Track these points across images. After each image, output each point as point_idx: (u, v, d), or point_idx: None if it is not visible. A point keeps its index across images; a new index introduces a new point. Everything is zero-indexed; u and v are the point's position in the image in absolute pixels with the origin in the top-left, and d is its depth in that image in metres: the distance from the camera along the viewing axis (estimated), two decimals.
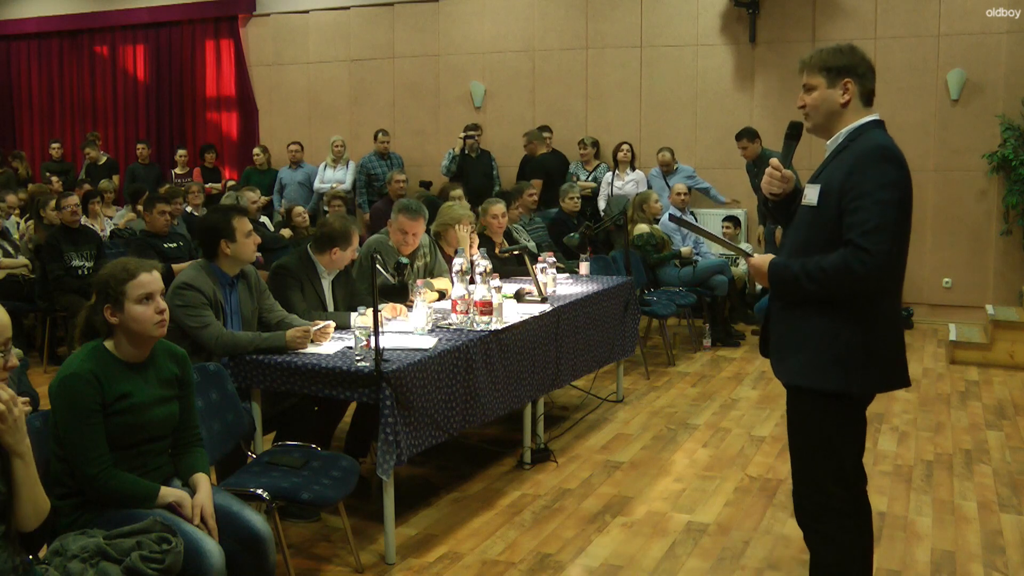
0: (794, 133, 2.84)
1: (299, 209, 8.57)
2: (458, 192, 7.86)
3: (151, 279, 2.78)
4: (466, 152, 9.24)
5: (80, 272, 6.71)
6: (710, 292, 7.37)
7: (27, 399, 2.90)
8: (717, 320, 7.46)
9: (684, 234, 7.95)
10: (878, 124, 2.66)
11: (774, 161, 2.79)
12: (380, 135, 9.80)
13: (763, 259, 2.71)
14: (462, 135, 9.10)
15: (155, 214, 6.71)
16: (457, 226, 5.39)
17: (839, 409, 2.64)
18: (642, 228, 7.33)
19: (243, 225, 4.00)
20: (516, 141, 9.50)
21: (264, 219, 8.63)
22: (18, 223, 8.23)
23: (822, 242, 2.58)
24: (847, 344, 2.58)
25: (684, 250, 7.38)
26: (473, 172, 9.14)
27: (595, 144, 9.20)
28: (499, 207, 6.06)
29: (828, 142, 2.71)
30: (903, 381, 2.68)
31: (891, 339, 2.63)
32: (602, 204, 8.66)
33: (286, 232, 8.26)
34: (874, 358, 2.59)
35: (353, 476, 3.47)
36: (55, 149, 11.40)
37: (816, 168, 2.74)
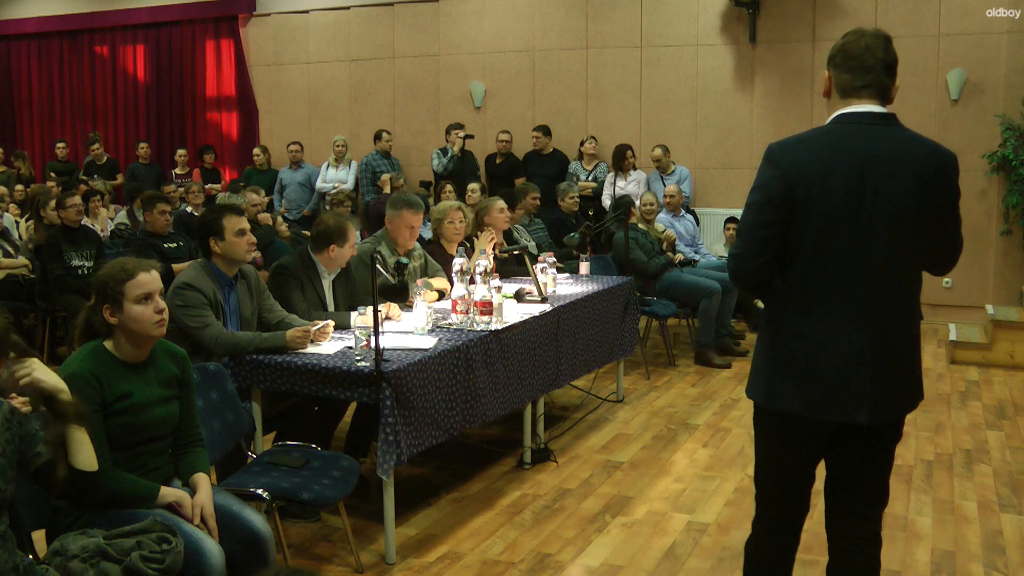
0: None
1: (280, 220, 8.64)
2: (475, 187, 7.92)
3: (150, 279, 2.78)
4: (462, 152, 9.25)
5: (80, 272, 6.71)
6: (692, 309, 6.97)
7: (26, 399, 2.90)
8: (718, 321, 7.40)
9: (692, 237, 7.94)
10: (840, 119, 2.44)
11: None
12: (384, 135, 9.86)
13: None
14: (462, 135, 9.10)
15: (155, 214, 6.71)
16: (446, 221, 5.40)
17: (761, 417, 2.57)
18: (640, 227, 7.31)
19: (233, 224, 3.99)
20: (516, 141, 9.52)
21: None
22: (17, 222, 8.24)
23: None
24: (759, 353, 2.54)
25: (675, 256, 7.16)
26: (466, 171, 9.16)
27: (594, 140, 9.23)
28: (501, 202, 6.06)
29: None
30: (836, 412, 2.40)
31: (795, 358, 2.42)
32: (607, 203, 8.67)
33: (283, 229, 8.29)
34: (777, 370, 2.45)
35: (353, 476, 3.47)
36: (60, 148, 11.41)
37: None
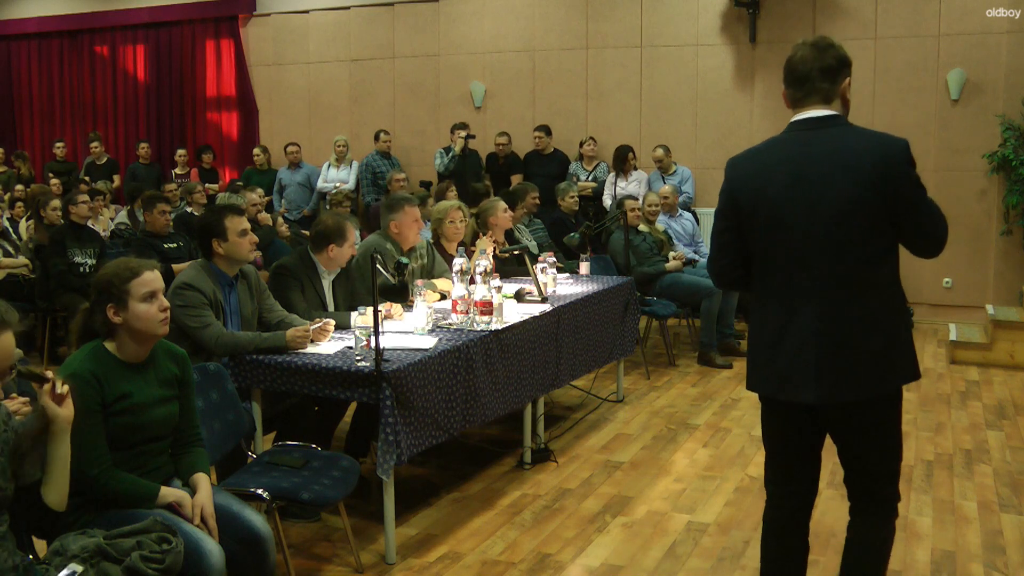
0: None
1: (280, 221, 8.67)
2: (485, 185, 7.86)
3: (154, 277, 2.80)
4: (465, 152, 9.23)
5: (82, 270, 6.72)
6: (694, 309, 6.98)
7: (27, 399, 2.90)
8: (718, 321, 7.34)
9: (691, 237, 7.93)
10: (787, 128, 2.66)
11: None
12: (382, 135, 9.89)
13: None
14: (463, 135, 9.09)
15: (155, 214, 6.72)
16: (447, 220, 5.40)
17: (761, 401, 2.79)
18: (643, 228, 7.30)
19: (235, 224, 3.99)
20: (516, 141, 9.52)
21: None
22: (16, 222, 8.25)
23: None
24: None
25: (670, 265, 7.03)
26: (468, 171, 9.15)
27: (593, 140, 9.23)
28: (504, 203, 6.06)
29: None
30: (788, 392, 2.61)
31: (761, 346, 2.68)
32: (608, 203, 8.65)
33: (283, 230, 8.29)
34: (752, 358, 2.73)
35: (353, 476, 3.47)
36: (59, 148, 11.41)
37: None
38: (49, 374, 2.42)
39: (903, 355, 2.61)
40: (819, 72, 2.59)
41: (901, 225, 2.54)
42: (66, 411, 2.42)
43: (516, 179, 9.11)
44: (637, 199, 7.53)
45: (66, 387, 2.42)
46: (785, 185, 2.57)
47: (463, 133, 9.09)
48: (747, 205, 2.63)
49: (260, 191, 8.29)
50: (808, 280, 2.56)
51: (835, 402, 2.58)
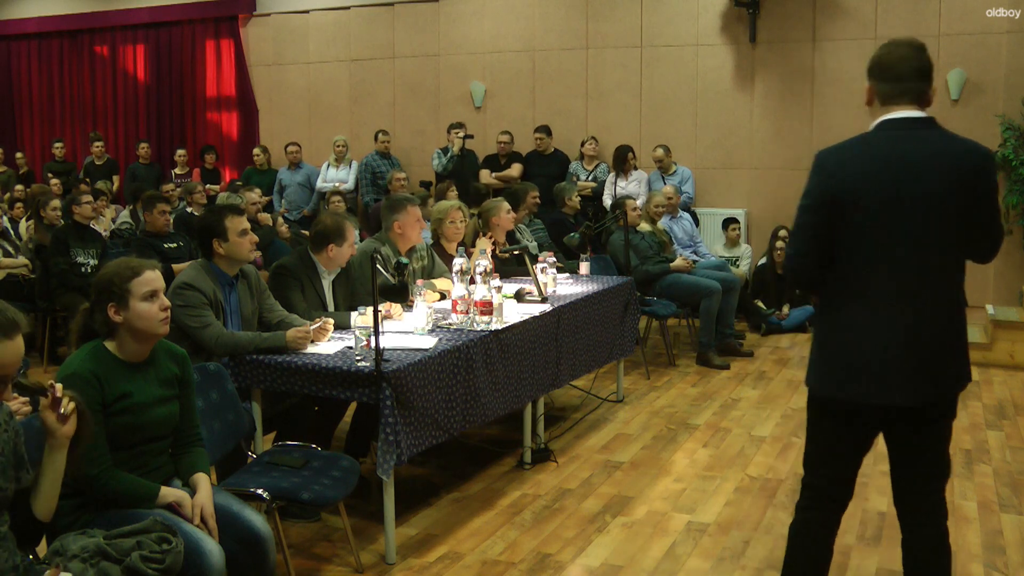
0: None
1: (281, 221, 8.70)
2: (486, 185, 7.83)
3: (155, 276, 2.81)
4: (463, 152, 9.24)
5: (84, 270, 6.72)
6: (694, 310, 6.95)
7: (27, 399, 2.90)
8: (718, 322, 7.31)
9: (690, 237, 7.93)
10: (881, 126, 2.64)
11: None
12: (380, 135, 9.91)
13: None
14: (462, 135, 9.09)
15: (155, 214, 6.72)
16: (447, 220, 5.40)
17: (812, 401, 2.76)
18: (644, 227, 7.29)
19: (235, 224, 3.99)
20: (516, 141, 9.52)
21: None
22: (16, 221, 8.25)
23: None
24: (812, 344, 2.76)
25: (676, 264, 6.98)
26: (467, 171, 9.16)
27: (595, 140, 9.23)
28: (507, 204, 6.06)
29: None
30: (877, 395, 2.59)
31: (835, 346, 2.65)
32: (608, 203, 8.65)
33: (284, 230, 8.30)
34: (826, 360, 2.68)
35: (353, 476, 3.47)
36: (57, 148, 11.41)
37: None
38: (59, 388, 2.39)
39: (967, 356, 2.67)
40: (916, 72, 2.61)
41: (975, 229, 2.60)
42: (67, 428, 2.39)
43: (517, 168, 9.12)
44: (636, 199, 7.52)
45: (72, 405, 2.39)
46: (884, 183, 2.55)
47: (460, 133, 9.09)
48: (842, 199, 2.58)
49: (259, 191, 8.29)
50: (900, 280, 2.57)
51: (922, 402, 2.59)
